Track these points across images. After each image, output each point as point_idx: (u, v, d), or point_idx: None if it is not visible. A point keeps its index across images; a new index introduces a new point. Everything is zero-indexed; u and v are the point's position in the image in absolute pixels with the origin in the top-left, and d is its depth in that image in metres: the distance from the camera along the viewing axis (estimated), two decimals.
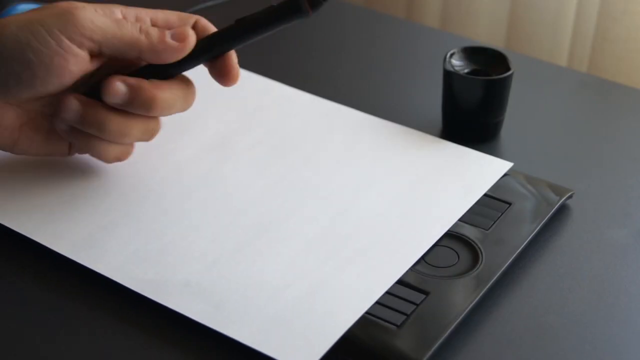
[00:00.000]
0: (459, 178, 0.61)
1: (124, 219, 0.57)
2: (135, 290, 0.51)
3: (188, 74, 0.57)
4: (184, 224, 0.56)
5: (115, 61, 0.56)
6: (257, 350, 0.48)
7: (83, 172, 0.60)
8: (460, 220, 0.57)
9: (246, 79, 0.72)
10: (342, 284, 0.52)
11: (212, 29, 0.58)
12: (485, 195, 0.60)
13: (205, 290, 0.51)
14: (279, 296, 0.51)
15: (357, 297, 0.51)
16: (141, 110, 0.55)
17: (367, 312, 0.50)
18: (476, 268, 0.54)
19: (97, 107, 0.55)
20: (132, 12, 0.56)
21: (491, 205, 0.59)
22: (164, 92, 0.55)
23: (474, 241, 0.56)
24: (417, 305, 0.51)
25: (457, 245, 0.56)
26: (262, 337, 0.49)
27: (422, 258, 0.54)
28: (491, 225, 0.57)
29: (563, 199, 0.60)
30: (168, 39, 0.54)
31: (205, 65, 0.58)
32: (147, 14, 0.57)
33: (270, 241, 0.55)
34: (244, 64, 0.73)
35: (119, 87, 0.54)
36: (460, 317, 0.50)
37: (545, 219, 0.58)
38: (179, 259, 0.54)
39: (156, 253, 0.54)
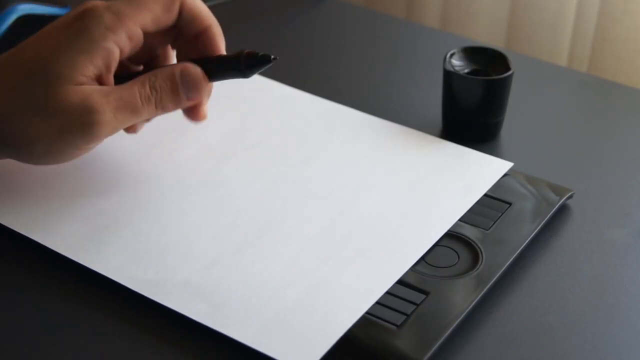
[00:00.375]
0: (459, 178, 0.61)
1: (124, 219, 0.56)
2: (135, 290, 0.51)
3: None
4: (184, 224, 0.56)
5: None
6: (257, 351, 0.48)
7: (83, 172, 0.60)
8: (460, 220, 0.57)
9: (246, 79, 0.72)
10: (342, 284, 0.52)
11: (199, 6, 0.56)
12: (486, 195, 0.59)
13: (205, 290, 0.51)
14: (279, 296, 0.51)
15: (357, 297, 0.51)
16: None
17: (367, 312, 0.50)
18: (476, 268, 0.54)
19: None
20: (122, 35, 0.53)
21: (491, 205, 0.59)
22: None
23: (474, 241, 0.56)
24: (417, 305, 0.51)
25: (457, 245, 0.56)
26: (262, 338, 0.49)
27: (422, 258, 0.54)
28: (491, 225, 0.57)
29: (563, 199, 0.60)
30: (184, 101, 0.56)
31: None
32: (135, 24, 0.54)
33: (270, 241, 0.55)
34: None
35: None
36: (461, 317, 0.50)
37: (546, 219, 0.58)
38: (179, 259, 0.54)
39: (156, 253, 0.54)
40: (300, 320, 0.49)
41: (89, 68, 0.52)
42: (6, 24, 0.74)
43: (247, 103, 0.69)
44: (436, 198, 0.59)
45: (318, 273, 0.53)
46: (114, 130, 0.54)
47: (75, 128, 0.52)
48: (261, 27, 0.83)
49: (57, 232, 0.55)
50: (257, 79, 0.72)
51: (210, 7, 0.57)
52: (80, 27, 0.53)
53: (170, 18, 0.55)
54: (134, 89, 0.53)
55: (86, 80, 0.52)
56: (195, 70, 0.56)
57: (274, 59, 0.54)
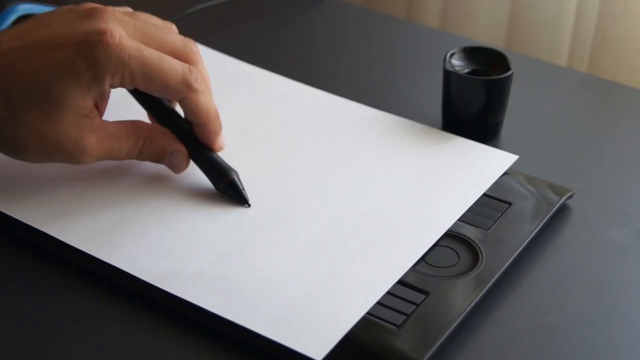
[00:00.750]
0: (464, 171, 0.61)
1: (136, 213, 0.57)
2: (148, 282, 0.51)
3: None
4: (191, 219, 0.56)
5: None
6: (262, 348, 0.48)
7: (94, 166, 0.60)
8: (460, 220, 0.57)
9: (252, 73, 0.72)
10: (343, 282, 0.52)
11: (201, 103, 0.58)
12: (486, 195, 0.59)
13: (217, 282, 0.51)
14: (289, 288, 0.51)
15: (365, 288, 0.51)
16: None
17: (367, 312, 0.50)
18: (476, 268, 0.54)
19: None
20: (117, 80, 0.55)
21: (491, 205, 0.59)
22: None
23: (474, 241, 0.56)
24: (417, 305, 0.51)
25: (457, 245, 0.56)
26: (276, 327, 0.48)
27: (422, 258, 0.54)
28: (491, 225, 0.57)
29: (563, 199, 0.60)
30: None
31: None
32: (133, 82, 0.55)
33: (275, 238, 0.55)
34: (246, 61, 0.73)
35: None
36: (461, 317, 0.50)
37: (546, 219, 0.58)
38: (191, 251, 0.54)
39: (167, 246, 0.54)
40: (313, 310, 0.49)
41: (87, 100, 0.54)
42: (6, 24, 0.74)
43: (253, 98, 0.69)
44: (441, 192, 0.59)
45: (318, 273, 0.53)
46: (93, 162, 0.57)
47: (62, 153, 0.55)
48: (261, 27, 0.83)
49: (69, 226, 0.55)
50: (263, 74, 0.72)
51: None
52: (89, 59, 0.53)
53: (167, 97, 0.58)
54: (125, 147, 0.57)
55: (86, 110, 0.54)
56: (183, 157, 0.58)
57: (247, 204, 0.58)
